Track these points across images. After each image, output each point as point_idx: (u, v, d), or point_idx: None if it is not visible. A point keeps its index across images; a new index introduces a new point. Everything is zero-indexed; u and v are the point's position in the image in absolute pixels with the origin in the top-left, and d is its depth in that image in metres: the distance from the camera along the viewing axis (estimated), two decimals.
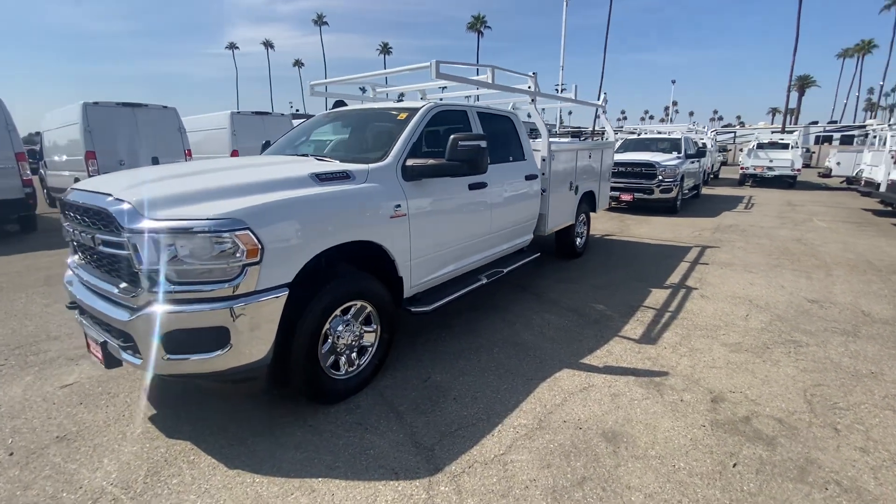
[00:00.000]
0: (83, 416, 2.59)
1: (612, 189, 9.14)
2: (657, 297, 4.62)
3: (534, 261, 4.75)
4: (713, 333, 3.72)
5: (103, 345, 2.31)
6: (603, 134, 24.42)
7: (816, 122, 32.95)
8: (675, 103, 65.13)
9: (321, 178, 2.57)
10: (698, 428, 2.49)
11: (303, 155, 3.37)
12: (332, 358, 2.63)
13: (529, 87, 4.82)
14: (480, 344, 3.51)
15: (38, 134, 14.27)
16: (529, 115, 5.73)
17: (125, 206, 2.08)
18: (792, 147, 16.35)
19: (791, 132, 21.74)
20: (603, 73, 43.06)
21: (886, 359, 3.28)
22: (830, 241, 7.31)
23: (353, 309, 2.69)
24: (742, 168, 17.04)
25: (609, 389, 2.86)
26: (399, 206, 2.88)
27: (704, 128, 19.61)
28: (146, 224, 2.01)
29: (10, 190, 7.44)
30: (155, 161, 9.20)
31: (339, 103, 4.63)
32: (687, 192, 11.32)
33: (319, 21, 74.44)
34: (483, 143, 2.96)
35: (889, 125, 9.87)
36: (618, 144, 12.18)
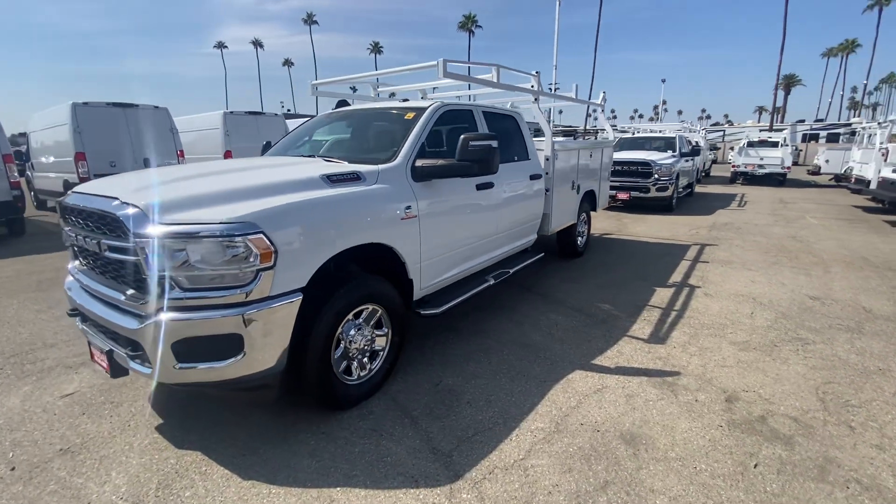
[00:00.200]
0: (87, 427, 2.50)
1: (610, 188, 9.17)
2: (662, 295, 4.62)
3: (537, 261, 4.73)
4: (721, 332, 3.73)
5: (109, 353, 2.23)
6: (596, 133, 24.56)
7: (803, 121, 33.45)
8: (664, 102, 65.86)
9: (332, 179, 2.51)
10: (715, 428, 2.48)
11: (309, 156, 3.31)
12: (344, 363, 2.57)
13: (532, 87, 4.79)
14: (490, 346, 3.48)
15: (22, 135, 13.96)
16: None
17: (133, 210, 2.00)
18: (782, 145, 16.57)
19: (780, 130, 22.04)
20: (594, 72, 43.31)
21: (892, 355, 3.30)
22: (824, 238, 7.40)
23: (364, 313, 2.64)
24: (733, 166, 17.23)
25: (623, 390, 2.84)
26: (409, 207, 2.83)
27: (698, 127, 19.81)
28: (156, 229, 1.94)
29: None
30: (147, 162, 9.03)
31: (342, 103, 4.56)
32: (681, 190, 11.40)
33: (309, 20, 73.88)
34: (494, 143, 2.92)
35: (878, 123, 10.02)
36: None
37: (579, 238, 6.07)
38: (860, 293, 4.65)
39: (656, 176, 9.82)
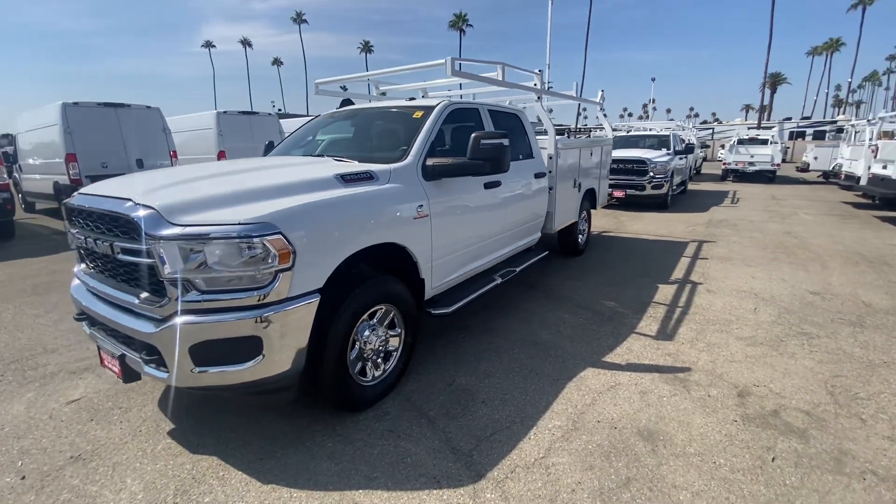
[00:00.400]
0: (96, 434, 2.45)
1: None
2: (665, 292, 4.66)
3: (541, 259, 4.74)
4: (726, 328, 3.76)
5: (121, 358, 2.18)
6: (589, 132, 24.70)
7: (790, 118, 33.98)
8: (652, 100, 66.47)
9: (346, 179, 2.49)
10: (730, 423, 2.50)
11: (318, 155, 3.27)
12: (359, 364, 2.55)
13: (535, 85, 4.80)
14: (500, 344, 3.47)
15: (6, 136, 13.66)
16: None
17: (148, 211, 1.96)
18: (771, 143, 16.81)
19: (769, 128, 22.36)
20: (584, 71, 43.54)
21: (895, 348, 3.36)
22: (819, 233, 7.52)
23: (378, 313, 2.62)
24: (724, 164, 17.44)
25: (636, 387, 2.85)
26: (421, 206, 2.81)
27: (689, 125, 20.03)
28: (172, 230, 1.90)
29: None
30: (140, 163, 8.89)
31: (347, 102, 4.52)
32: (676, 188, 11.51)
33: (299, 19, 73.31)
34: (506, 142, 2.91)
35: (868, 120, 10.20)
36: None
37: (580, 236, 6.10)
38: (858, 287, 4.73)
39: (652, 174, 9.89)
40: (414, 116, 3.28)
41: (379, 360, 2.67)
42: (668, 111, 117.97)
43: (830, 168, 13.99)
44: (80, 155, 8.08)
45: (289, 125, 12.42)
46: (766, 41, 34.98)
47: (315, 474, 2.13)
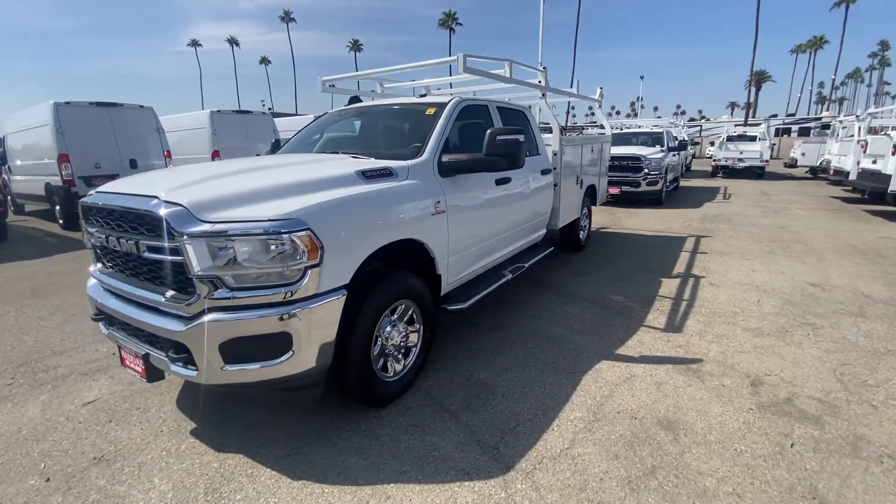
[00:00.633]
0: (117, 434, 2.43)
1: None
2: (669, 286, 4.73)
3: (546, 255, 4.78)
4: (733, 319, 3.83)
5: (145, 357, 2.17)
6: (581, 129, 24.86)
7: (776, 115, 34.57)
8: (640, 98, 67.10)
9: (367, 175, 2.49)
10: (746, 411, 2.55)
11: (332, 152, 3.26)
12: (381, 360, 2.56)
13: (539, 82, 4.83)
14: (513, 339, 3.50)
15: None
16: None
17: (176, 208, 1.94)
18: (760, 139, 17.09)
19: (756, 125, 22.73)
20: (574, 69, 43.83)
21: None
22: (812, 227, 7.67)
23: (399, 309, 2.63)
24: (714, 160, 17.70)
25: (651, 378, 2.90)
26: (439, 202, 2.83)
27: (680, 123, 20.27)
28: (202, 227, 1.89)
29: None
30: (133, 163, 8.76)
31: (355, 99, 4.51)
32: (669, 184, 11.66)
33: (286, 17, 72.64)
34: (521, 138, 2.93)
35: (857, 116, 10.43)
36: None
37: (581, 232, 6.16)
38: (856, 279, 4.85)
39: (646, 170, 10.00)
40: (427, 113, 3.29)
41: (399, 355, 2.68)
42: (656, 109, 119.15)
43: (818, 164, 14.27)
44: (72, 155, 7.95)
45: (282, 124, 12.33)
46: (752, 39, 35.56)
47: (344, 469, 2.14)
